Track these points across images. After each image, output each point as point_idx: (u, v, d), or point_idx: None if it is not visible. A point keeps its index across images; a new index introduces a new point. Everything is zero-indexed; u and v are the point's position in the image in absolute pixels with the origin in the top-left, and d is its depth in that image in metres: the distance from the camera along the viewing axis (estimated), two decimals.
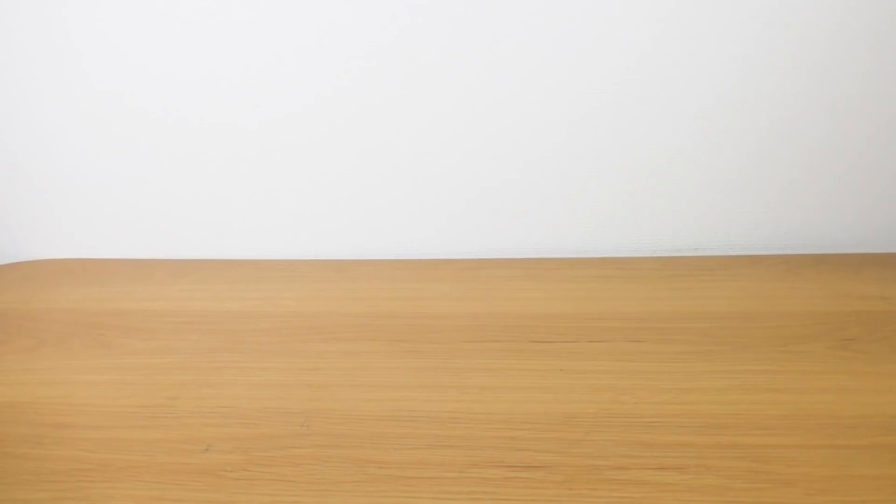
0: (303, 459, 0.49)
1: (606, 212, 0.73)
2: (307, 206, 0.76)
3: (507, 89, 0.67)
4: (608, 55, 0.65)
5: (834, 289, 0.65)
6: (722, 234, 0.73)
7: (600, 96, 0.67)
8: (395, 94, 0.68)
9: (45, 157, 0.76)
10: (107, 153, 0.75)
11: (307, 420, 0.53)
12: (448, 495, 0.46)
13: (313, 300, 0.69)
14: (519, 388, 0.55)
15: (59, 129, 0.74)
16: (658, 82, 0.66)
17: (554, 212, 0.74)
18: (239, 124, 0.71)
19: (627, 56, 0.65)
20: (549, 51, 0.65)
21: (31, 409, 0.55)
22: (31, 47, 0.69)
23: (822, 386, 0.53)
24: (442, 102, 0.68)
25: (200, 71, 0.69)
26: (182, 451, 0.50)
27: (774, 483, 0.44)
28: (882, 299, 0.63)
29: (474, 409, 0.53)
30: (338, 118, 0.70)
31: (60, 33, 0.68)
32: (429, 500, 0.45)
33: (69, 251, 0.82)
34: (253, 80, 0.69)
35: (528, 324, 0.63)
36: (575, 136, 0.69)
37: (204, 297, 0.70)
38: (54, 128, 0.74)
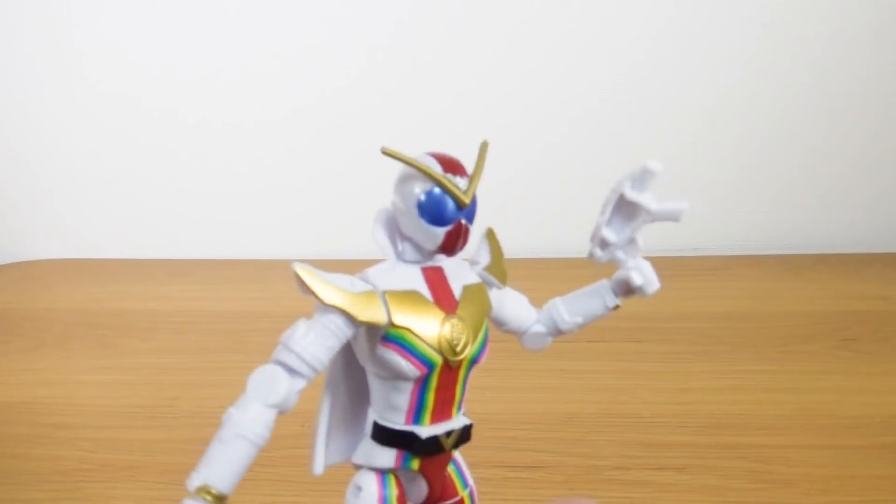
0: (303, 459, 0.49)
1: None
2: (307, 206, 0.76)
3: (507, 89, 0.67)
4: (608, 55, 0.65)
5: (834, 289, 0.65)
6: (722, 234, 0.73)
7: (600, 96, 0.67)
8: (395, 94, 0.68)
9: (46, 157, 0.76)
10: (107, 153, 0.75)
11: (307, 420, 0.53)
12: None
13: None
14: (519, 388, 0.55)
15: (60, 130, 0.74)
16: (658, 82, 0.66)
17: (554, 212, 0.74)
18: (239, 124, 0.72)
19: (627, 56, 0.65)
20: (549, 51, 0.65)
21: (31, 409, 0.55)
22: (33, 47, 0.69)
23: (822, 386, 0.53)
24: (441, 102, 0.68)
25: (200, 71, 0.69)
26: (182, 451, 0.50)
27: (774, 483, 0.44)
28: (882, 299, 0.63)
29: (474, 409, 0.52)
30: (337, 118, 0.70)
31: (62, 33, 0.68)
32: None
33: (69, 251, 0.82)
34: (253, 81, 0.69)
35: None
36: (575, 136, 0.69)
37: (204, 297, 0.70)
38: (55, 128, 0.74)
